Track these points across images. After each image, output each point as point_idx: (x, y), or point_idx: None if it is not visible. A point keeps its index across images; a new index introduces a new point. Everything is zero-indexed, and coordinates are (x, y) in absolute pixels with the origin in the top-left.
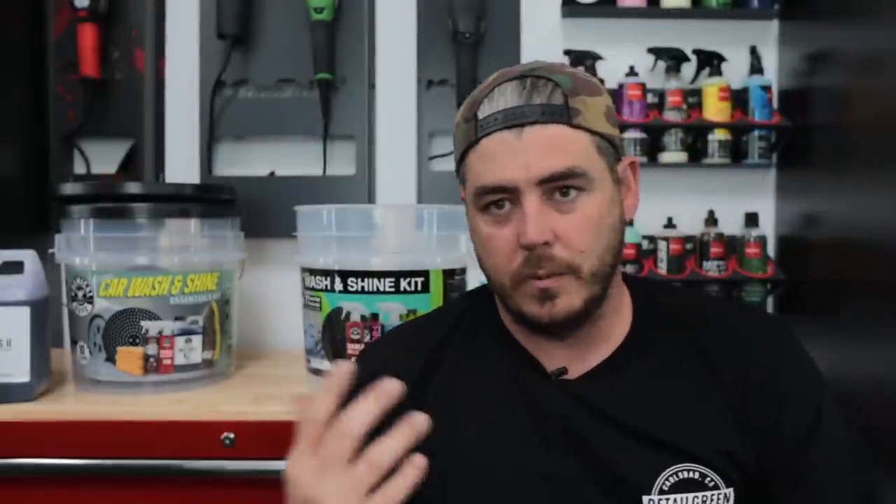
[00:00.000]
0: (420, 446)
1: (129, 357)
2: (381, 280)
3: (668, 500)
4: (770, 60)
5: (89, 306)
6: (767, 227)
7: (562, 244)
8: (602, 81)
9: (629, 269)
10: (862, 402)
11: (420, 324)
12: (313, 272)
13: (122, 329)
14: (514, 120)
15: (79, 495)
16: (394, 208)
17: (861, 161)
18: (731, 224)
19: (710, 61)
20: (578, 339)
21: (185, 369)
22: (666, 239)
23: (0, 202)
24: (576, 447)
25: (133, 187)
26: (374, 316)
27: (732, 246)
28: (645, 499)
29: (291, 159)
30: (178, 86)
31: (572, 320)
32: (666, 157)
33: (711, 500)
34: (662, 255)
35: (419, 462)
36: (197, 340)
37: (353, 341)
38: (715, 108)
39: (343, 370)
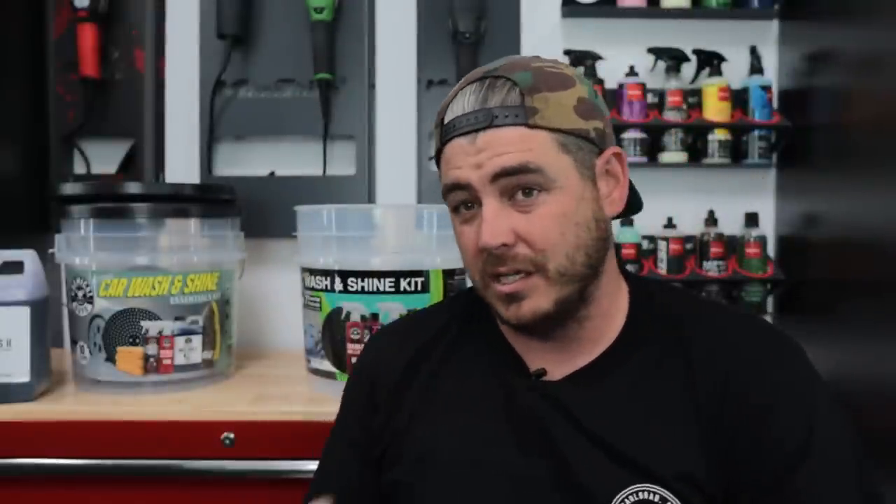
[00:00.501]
0: (398, 435)
1: (129, 357)
2: (381, 280)
3: None
4: (770, 60)
5: (89, 306)
6: (767, 227)
7: (524, 244)
8: (602, 81)
9: (629, 268)
10: (862, 402)
11: (420, 316)
12: (313, 272)
13: (122, 329)
14: (467, 126)
15: (79, 495)
16: (394, 208)
17: (861, 161)
18: (731, 224)
19: (710, 61)
20: (563, 340)
21: (185, 369)
22: (666, 239)
23: (0, 202)
24: (545, 451)
25: (133, 187)
26: (374, 316)
27: (732, 246)
28: None
29: (291, 159)
30: (178, 86)
31: (543, 321)
32: (666, 157)
33: None
34: (662, 255)
35: None
36: (197, 340)
37: (353, 341)
38: (715, 108)
39: None
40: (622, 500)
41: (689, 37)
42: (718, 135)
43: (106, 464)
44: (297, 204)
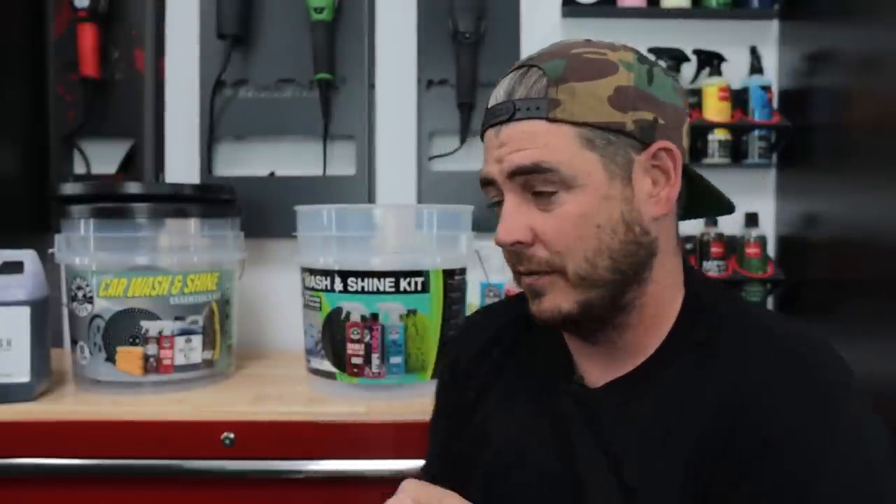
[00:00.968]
0: (462, 413)
1: (129, 357)
2: (381, 280)
3: None
4: (770, 60)
5: (89, 306)
6: (767, 227)
7: (541, 244)
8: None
9: None
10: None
11: (505, 302)
12: (313, 272)
13: (122, 329)
14: (494, 119)
15: (79, 495)
16: (394, 208)
17: (861, 161)
18: (731, 224)
19: (710, 61)
20: (607, 346)
21: (185, 369)
22: None
23: (0, 202)
24: (566, 455)
25: (133, 187)
26: (374, 316)
27: (732, 246)
28: None
29: (291, 159)
30: (178, 86)
31: (570, 324)
32: None
33: None
34: None
35: None
36: (197, 340)
37: (353, 341)
38: (715, 108)
39: None
40: None
41: (689, 37)
42: (718, 135)
43: (106, 464)
44: (297, 204)
